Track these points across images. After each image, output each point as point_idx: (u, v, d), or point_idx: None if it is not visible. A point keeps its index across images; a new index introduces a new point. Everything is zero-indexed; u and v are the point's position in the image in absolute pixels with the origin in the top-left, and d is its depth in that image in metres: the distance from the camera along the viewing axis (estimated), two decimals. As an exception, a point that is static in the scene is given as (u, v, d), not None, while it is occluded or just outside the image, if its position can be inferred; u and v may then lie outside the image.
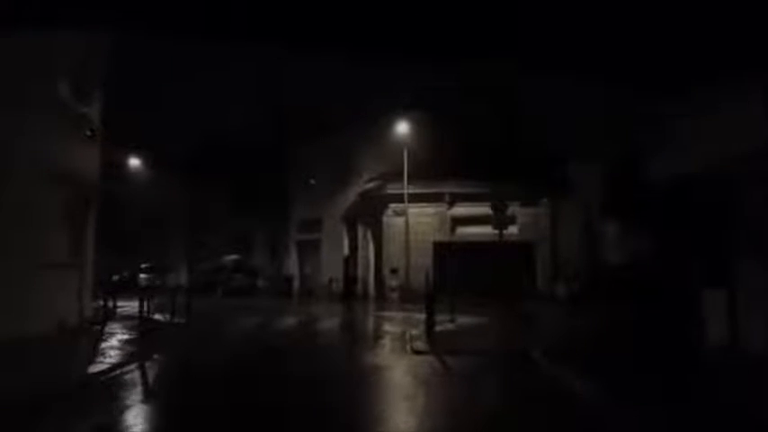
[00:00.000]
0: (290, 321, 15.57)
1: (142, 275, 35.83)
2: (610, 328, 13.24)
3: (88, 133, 13.04)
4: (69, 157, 12.08)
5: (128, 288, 24.97)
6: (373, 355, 9.94)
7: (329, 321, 15.82)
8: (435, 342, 10.90)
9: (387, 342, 11.58)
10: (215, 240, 35.06)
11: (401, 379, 8.02)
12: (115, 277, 36.36)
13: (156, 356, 9.88)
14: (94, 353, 9.60)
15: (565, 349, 10.27)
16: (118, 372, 8.30)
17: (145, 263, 37.00)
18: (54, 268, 11.60)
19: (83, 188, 12.57)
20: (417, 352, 10.20)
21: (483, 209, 19.04)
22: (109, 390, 7.29)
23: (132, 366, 8.64)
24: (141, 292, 12.06)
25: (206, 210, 34.75)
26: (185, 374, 8.69)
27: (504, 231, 16.44)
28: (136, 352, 9.77)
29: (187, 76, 29.56)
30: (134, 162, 34.11)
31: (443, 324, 13.98)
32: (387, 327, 14.33)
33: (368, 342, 11.70)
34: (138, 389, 7.34)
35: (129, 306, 16.15)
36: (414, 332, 12.65)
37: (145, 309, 12.64)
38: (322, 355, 10.35)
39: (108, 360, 8.95)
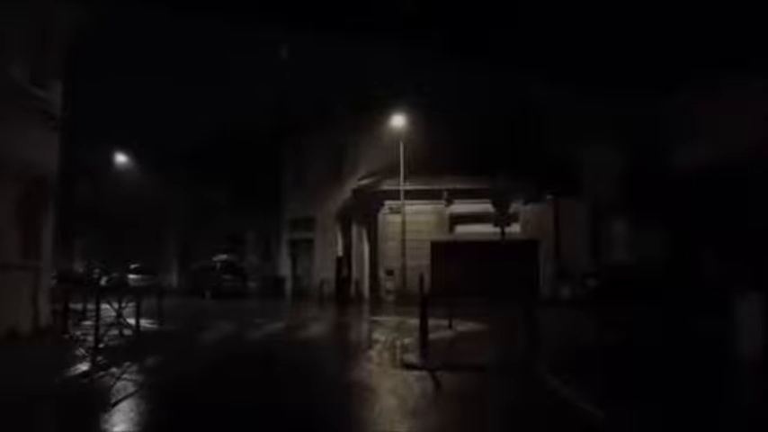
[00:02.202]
0: (272, 328, 14.33)
1: (132, 276, 34.76)
2: (622, 337, 12.07)
3: (49, 122, 11.81)
4: (23, 148, 10.86)
5: (118, 289, 23.74)
6: (358, 370, 8.70)
7: (316, 327, 14.58)
8: (429, 354, 9.67)
9: (375, 354, 10.33)
10: (209, 240, 33.84)
11: (384, 403, 6.77)
12: (104, 278, 35.34)
13: (114, 370, 8.73)
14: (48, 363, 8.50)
15: (573, 363, 9.07)
16: (56, 389, 7.17)
17: (135, 263, 35.88)
18: (4, 270, 10.41)
19: (39, 182, 11.35)
20: (408, 366, 8.97)
21: (483, 206, 17.96)
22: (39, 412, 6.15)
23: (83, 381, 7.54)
24: (101, 294, 10.79)
25: (200, 208, 33.56)
26: (139, 395, 7.46)
27: (506, 230, 15.34)
28: (90, 364, 8.61)
29: (183, 72, 28.48)
30: (120, 158, 32.98)
31: (439, 331, 12.78)
32: (378, 334, 13.09)
33: (354, 354, 10.46)
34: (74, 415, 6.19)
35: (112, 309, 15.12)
36: (406, 341, 11.44)
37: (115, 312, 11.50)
38: (298, 370, 9.10)
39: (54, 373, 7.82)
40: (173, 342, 11.79)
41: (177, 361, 9.98)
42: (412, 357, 9.50)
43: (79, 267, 40.65)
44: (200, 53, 26.53)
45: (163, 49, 26.88)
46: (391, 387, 7.43)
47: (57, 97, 11.95)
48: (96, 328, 10.40)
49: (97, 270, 37.43)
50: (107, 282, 33.93)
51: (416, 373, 8.45)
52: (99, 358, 9.31)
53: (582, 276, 20.26)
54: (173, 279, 36.41)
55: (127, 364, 9.21)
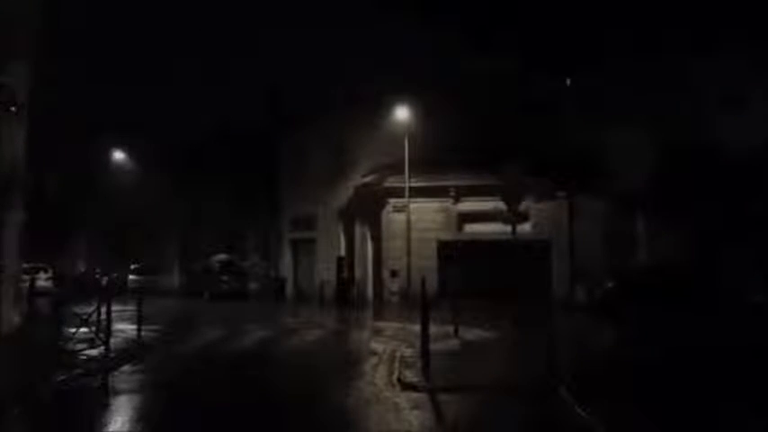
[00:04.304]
0: (261, 335, 13.18)
1: (132, 277, 33.98)
2: (642, 346, 10.85)
3: (13, 109, 10.72)
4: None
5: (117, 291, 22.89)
6: (345, 393, 7.50)
7: (309, 335, 13.42)
8: (431, 369, 8.48)
9: (369, 368, 9.14)
10: (209, 239, 32.80)
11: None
12: (104, 279, 34.52)
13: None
14: None
15: (601, 381, 7.86)
16: None
17: (135, 264, 35.06)
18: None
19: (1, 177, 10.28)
20: (406, 386, 7.78)
21: (493, 203, 16.81)
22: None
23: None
24: (57, 296, 9.71)
25: (199, 207, 32.51)
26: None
27: (517, 229, 14.20)
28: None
29: (180, 70, 27.54)
30: (118, 155, 32.04)
31: (445, 340, 11.64)
32: (376, 343, 11.89)
33: (345, 369, 9.26)
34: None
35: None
36: (407, 352, 10.25)
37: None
38: (276, 390, 7.92)
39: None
40: (145, 352, 10.66)
41: (144, 373, 8.89)
42: (411, 375, 8.31)
43: (81, 268, 39.95)
44: (198, 51, 25.51)
45: (161, 48, 25.90)
46: (380, 418, 6.24)
47: (21, 83, 10.86)
48: (55, 337, 9.38)
49: (98, 271, 36.66)
50: (107, 283, 33.14)
51: (415, 395, 7.26)
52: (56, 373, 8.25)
53: (598, 278, 18.99)
54: (174, 280, 35.46)
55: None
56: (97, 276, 35.38)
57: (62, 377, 8.37)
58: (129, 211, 34.65)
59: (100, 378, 8.59)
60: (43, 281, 28.60)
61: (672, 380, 7.77)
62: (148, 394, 7.65)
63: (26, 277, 23.64)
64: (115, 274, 33.71)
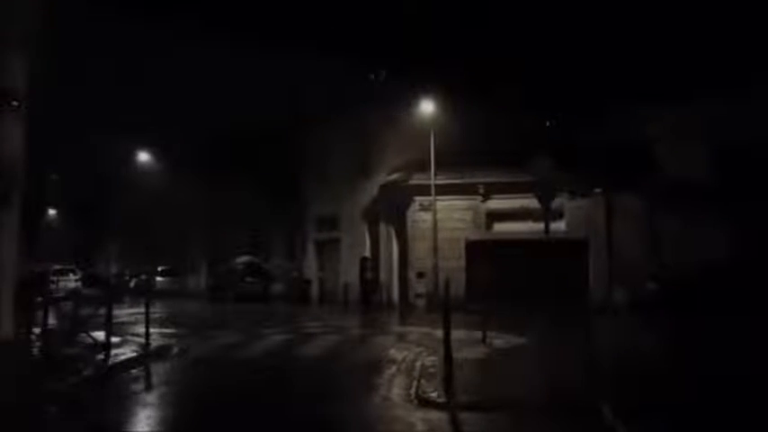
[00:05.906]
0: (276, 340, 12.46)
1: (159, 279, 33.96)
2: (691, 355, 9.73)
3: (15, 103, 10.20)
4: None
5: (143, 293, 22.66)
6: (355, 407, 6.66)
7: (325, 341, 12.60)
8: (454, 382, 7.56)
9: (385, 380, 8.26)
10: (234, 241, 32.43)
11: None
12: (133, 281, 34.62)
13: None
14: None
15: (648, 395, 6.84)
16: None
17: (162, 265, 35.02)
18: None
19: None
20: (424, 401, 6.90)
21: (525, 201, 15.85)
22: None
23: None
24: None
25: (224, 208, 32.14)
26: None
27: (551, 227, 13.17)
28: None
29: (200, 71, 27.10)
30: (143, 157, 31.97)
31: (472, 347, 10.73)
32: (396, 351, 10.97)
33: (358, 381, 8.41)
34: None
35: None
36: (428, 360, 9.35)
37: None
38: (277, 406, 7.10)
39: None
40: (151, 358, 10.03)
41: (140, 382, 8.24)
42: (430, 389, 7.40)
43: (113, 269, 40.25)
44: (216, 52, 24.92)
45: (179, 49, 25.41)
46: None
47: (21, 80, 10.32)
48: (56, 343, 8.78)
49: (127, 272, 36.81)
50: (135, 284, 33.19)
51: (434, 414, 6.37)
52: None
53: (639, 279, 17.79)
54: (201, 281, 35.27)
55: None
56: (126, 278, 35.56)
57: (54, 386, 7.79)
58: (156, 213, 34.65)
59: (96, 386, 7.98)
60: (73, 282, 28.80)
61: (723, 393, 6.74)
62: (140, 405, 6.94)
63: (54, 279, 23.52)
64: (143, 276, 33.72)
